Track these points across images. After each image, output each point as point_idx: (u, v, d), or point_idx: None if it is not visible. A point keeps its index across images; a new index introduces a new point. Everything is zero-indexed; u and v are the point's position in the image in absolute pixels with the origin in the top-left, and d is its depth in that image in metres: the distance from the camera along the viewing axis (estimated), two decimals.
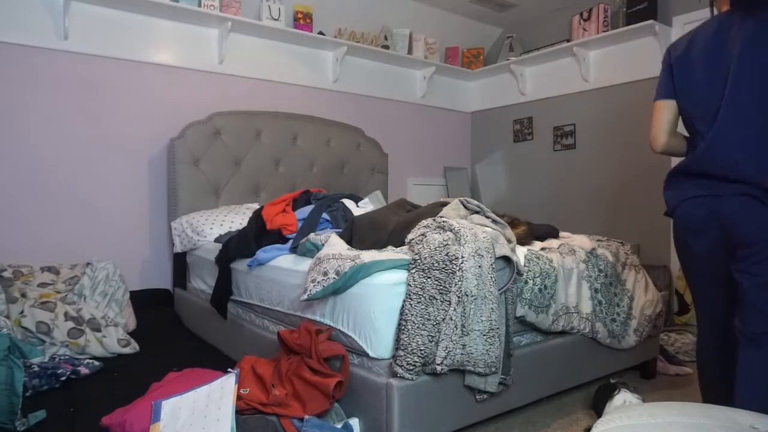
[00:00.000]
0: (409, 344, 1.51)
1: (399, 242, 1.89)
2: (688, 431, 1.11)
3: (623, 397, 1.88)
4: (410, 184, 4.53)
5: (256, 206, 3.11)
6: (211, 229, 2.81)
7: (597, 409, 1.97)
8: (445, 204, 2.07)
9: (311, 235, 2.07)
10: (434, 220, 1.80)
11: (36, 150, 2.83)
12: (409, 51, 4.23)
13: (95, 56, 2.99)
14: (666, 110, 1.65)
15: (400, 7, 4.18)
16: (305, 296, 1.69)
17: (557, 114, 4.29)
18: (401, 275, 1.63)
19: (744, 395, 1.42)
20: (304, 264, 1.94)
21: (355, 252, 1.76)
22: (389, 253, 1.75)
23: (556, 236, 2.37)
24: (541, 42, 4.33)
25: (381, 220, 2.02)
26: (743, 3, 1.48)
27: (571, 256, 2.06)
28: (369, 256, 1.69)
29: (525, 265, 1.86)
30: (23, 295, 2.34)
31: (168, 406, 1.55)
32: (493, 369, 1.62)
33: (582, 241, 2.21)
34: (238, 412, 1.57)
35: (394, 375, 1.54)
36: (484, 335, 1.60)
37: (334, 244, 1.90)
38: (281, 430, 1.51)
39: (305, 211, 2.44)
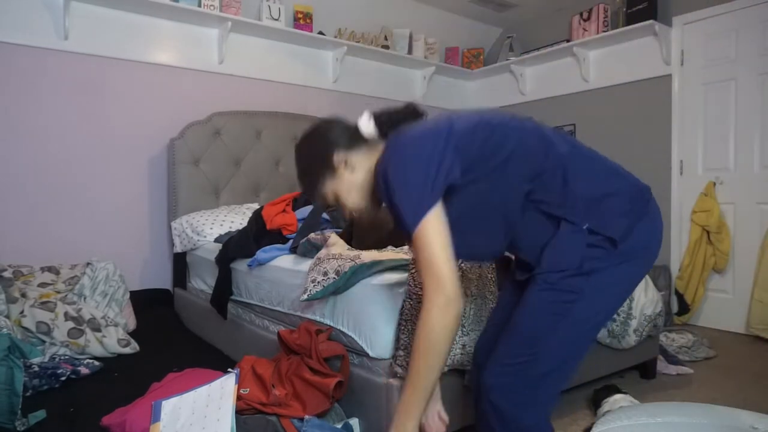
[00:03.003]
0: (409, 344, 1.51)
1: (399, 242, 1.89)
2: (688, 431, 1.11)
3: (617, 400, 1.89)
4: None
5: (256, 206, 3.11)
6: (211, 229, 2.81)
7: (595, 409, 1.97)
8: None
9: (311, 235, 2.07)
10: None
11: (35, 150, 2.83)
12: (409, 51, 4.23)
13: (95, 56, 2.99)
14: None
15: (400, 7, 4.17)
16: (305, 296, 1.69)
17: (557, 114, 4.29)
18: (401, 275, 1.63)
19: None
20: (304, 264, 1.94)
21: (355, 252, 1.76)
22: (389, 253, 1.75)
23: None
24: (541, 42, 4.33)
25: (381, 220, 2.02)
26: None
27: None
28: (369, 256, 1.69)
29: None
30: (23, 295, 2.34)
31: (168, 406, 1.55)
32: None
33: None
34: (238, 412, 1.57)
35: (394, 375, 1.54)
36: None
37: (334, 244, 1.90)
38: (281, 430, 1.51)
39: (305, 211, 2.44)
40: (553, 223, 1.13)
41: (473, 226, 1.17)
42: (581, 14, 3.94)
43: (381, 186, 1.12)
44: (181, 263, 3.05)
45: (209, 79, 3.41)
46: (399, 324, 1.56)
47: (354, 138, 1.23)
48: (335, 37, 3.83)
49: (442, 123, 1.15)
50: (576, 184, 1.12)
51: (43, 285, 2.49)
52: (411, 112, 1.26)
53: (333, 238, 1.97)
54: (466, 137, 1.12)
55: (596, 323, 1.17)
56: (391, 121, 1.24)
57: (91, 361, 2.18)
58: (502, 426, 1.13)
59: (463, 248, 1.17)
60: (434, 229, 1.07)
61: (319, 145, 1.24)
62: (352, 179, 1.22)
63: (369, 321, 1.60)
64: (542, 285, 1.12)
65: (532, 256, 1.17)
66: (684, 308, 3.44)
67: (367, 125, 1.23)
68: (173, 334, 2.72)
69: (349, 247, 1.93)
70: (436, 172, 1.07)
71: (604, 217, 1.10)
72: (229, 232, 2.74)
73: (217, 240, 2.73)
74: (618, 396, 1.93)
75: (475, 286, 1.60)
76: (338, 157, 1.21)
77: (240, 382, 1.63)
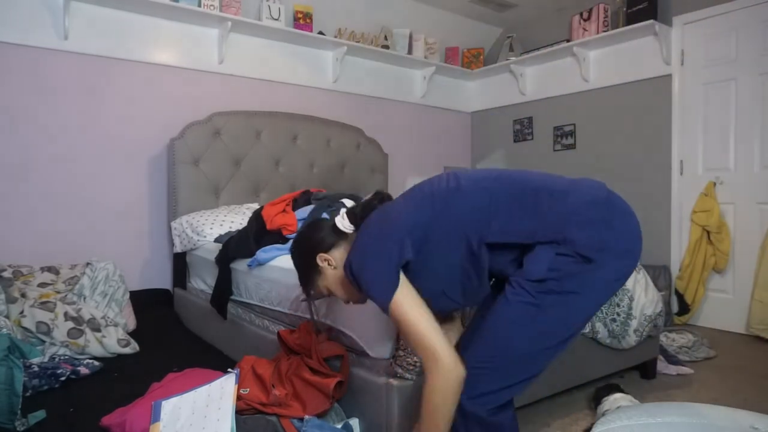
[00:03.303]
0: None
1: None
2: (688, 431, 1.11)
3: (616, 399, 1.89)
4: (410, 184, 4.52)
5: (256, 206, 3.11)
6: (211, 229, 2.81)
7: (595, 409, 1.97)
8: None
9: None
10: None
11: (35, 150, 2.83)
12: (409, 51, 4.23)
13: (95, 56, 2.99)
14: None
15: (400, 7, 4.17)
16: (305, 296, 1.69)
17: (557, 114, 4.29)
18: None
19: None
20: None
21: None
22: None
23: None
24: (541, 42, 4.33)
25: None
26: None
27: None
28: None
29: None
30: (23, 295, 2.34)
31: (168, 406, 1.55)
32: None
33: None
34: (238, 412, 1.57)
35: (394, 375, 1.54)
36: None
37: None
38: (281, 430, 1.51)
39: (305, 211, 2.44)
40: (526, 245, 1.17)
41: (444, 286, 1.24)
42: (581, 14, 3.94)
43: (350, 278, 1.23)
44: (181, 263, 3.05)
45: (209, 79, 3.41)
46: None
47: (335, 235, 1.35)
48: (335, 37, 3.83)
49: (388, 216, 1.25)
50: (533, 220, 1.15)
51: (42, 285, 2.49)
52: (381, 201, 1.35)
53: None
54: (415, 227, 1.20)
55: (571, 324, 1.19)
56: (363, 213, 1.32)
57: (90, 361, 2.18)
58: (464, 422, 1.18)
59: (452, 303, 1.26)
60: (406, 299, 1.16)
61: (305, 250, 1.39)
62: (336, 274, 1.35)
63: (369, 321, 1.60)
64: (514, 289, 1.15)
65: (511, 271, 1.21)
66: (684, 308, 3.45)
67: (342, 223, 1.34)
68: (173, 334, 2.72)
69: None
70: (390, 253, 1.17)
71: (571, 235, 1.12)
72: (229, 232, 2.74)
73: (217, 240, 2.73)
74: (618, 395, 1.93)
75: None
76: (321, 258, 1.35)
77: (240, 382, 1.63)
